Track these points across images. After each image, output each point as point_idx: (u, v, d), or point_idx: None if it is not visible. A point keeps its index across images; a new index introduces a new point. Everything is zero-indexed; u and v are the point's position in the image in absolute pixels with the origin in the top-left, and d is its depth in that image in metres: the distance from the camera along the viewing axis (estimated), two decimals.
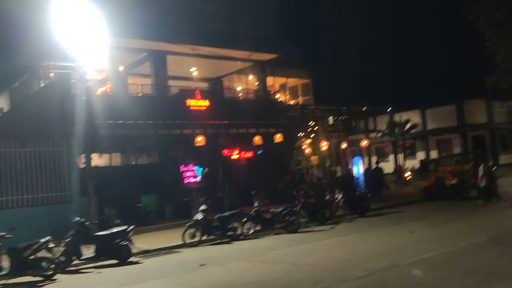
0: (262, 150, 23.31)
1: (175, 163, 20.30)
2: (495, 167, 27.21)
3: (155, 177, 19.74)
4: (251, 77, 25.67)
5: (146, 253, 13.50)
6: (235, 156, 22.55)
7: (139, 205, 18.46)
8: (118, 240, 12.23)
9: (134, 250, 13.11)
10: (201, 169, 21.12)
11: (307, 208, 16.72)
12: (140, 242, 14.77)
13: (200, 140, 19.38)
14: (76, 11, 15.06)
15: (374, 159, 49.04)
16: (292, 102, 31.29)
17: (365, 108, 29.66)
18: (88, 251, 12.34)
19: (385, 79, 51.35)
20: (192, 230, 14.29)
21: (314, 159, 32.11)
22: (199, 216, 14.46)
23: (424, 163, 39.77)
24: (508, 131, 42.25)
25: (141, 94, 20.64)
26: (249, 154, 22.97)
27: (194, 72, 24.60)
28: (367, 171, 29.85)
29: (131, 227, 12.61)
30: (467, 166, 22.00)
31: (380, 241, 12.16)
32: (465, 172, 21.44)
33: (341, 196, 18.15)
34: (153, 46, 20.16)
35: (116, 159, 20.16)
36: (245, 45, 22.16)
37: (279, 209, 15.43)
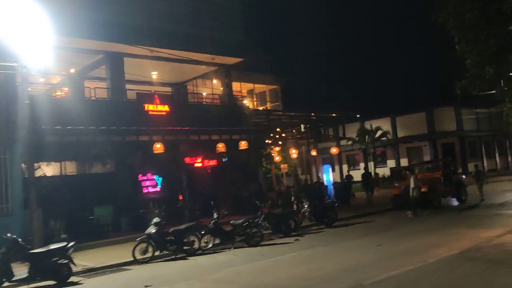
0: (227, 158, 22.26)
1: (132, 172, 19.03)
2: (464, 177, 26.87)
3: (110, 187, 18.45)
4: (216, 82, 24.64)
5: (91, 271, 12.24)
6: (198, 164, 21.39)
7: (91, 217, 17.10)
8: (56, 258, 10.94)
9: (77, 269, 11.88)
10: (161, 178, 19.90)
11: (270, 219, 15.72)
12: (87, 259, 13.55)
13: (158, 147, 18.19)
14: (19, 7, 13.85)
15: (345, 167, 48.91)
16: (261, 108, 30.38)
17: (334, 114, 28.88)
18: (21, 272, 11.00)
19: (356, 87, 51.20)
20: (143, 245, 13.10)
21: (284, 167, 31.22)
22: (151, 229, 13.28)
23: (394, 170, 39.51)
24: (477, 138, 42.36)
25: (94, 98, 19.31)
26: (213, 162, 21.85)
27: (156, 76, 23.40)
28: (348, 178, 29.37)
29: (71, 244, 11.34)
30: (438, 174, 21.45)
31: (345, 256, 11.25)
32: (436, 180, 20.87)
33: (307, 206, 17.21)
34: (109, 47, 18.91)
35: (69, 168, 18.80)
36: (208, 48, 21.13)
37: (240, 221, 14.38)
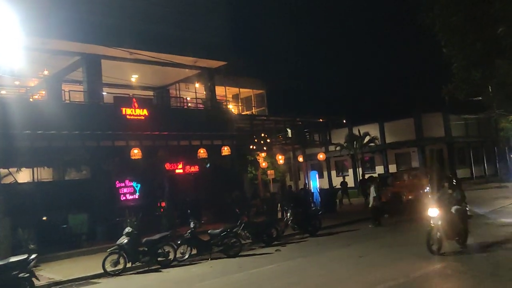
0: (209, 164, 21.58)
1: (109, 178, 18.27)
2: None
3: (86, 194, 17.67)
4: (199, 86, 23.98)
5: (56, 285, 11.56)
6: (179, 170, 20.69)
7: (64, 226, 16.33)
8: (16, 272, 10.22)
9: (41, 283, 11.28)
10: (139, 185, 19.18)
11: (250, 228, 15.09)
12: (55, 271, 12.88)
13: (136, 152, 17.50)
14: None
15: (334, 173, 48.51)
16: (247, 113, 29.75)
17: (320, 119, 28.30)
18: None
19: (344, 92, 50.68)
20: (114, 257, 12.41)
21: (271, 173, 30.60)
22: (123, 240, 12.59)
23: (382, 177, 39.04)
24: (466, 144, 42.12)
25: (68, 101, 18.57)
26: (194, 169, 21.15)
27: (135, 79, 22.68)
28: (343, 184, 28.94)
29: (33, 256, 10.62)
30: (425, 181, 21.00)
31: (325, 268, 10.65)
32: (423, 186, 20.42)
33: (289, 214, 16.59)
34: (86, 49, 18.19)
35: (43, 175, 18.05)
36: (190, 50, 20.48)
37: (218, 230, 13.74)
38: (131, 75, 22.24)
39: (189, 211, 15.27)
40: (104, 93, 21.14)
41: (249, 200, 24.39)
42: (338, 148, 41.95)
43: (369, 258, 11.24)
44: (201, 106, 23.93)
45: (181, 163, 20.60)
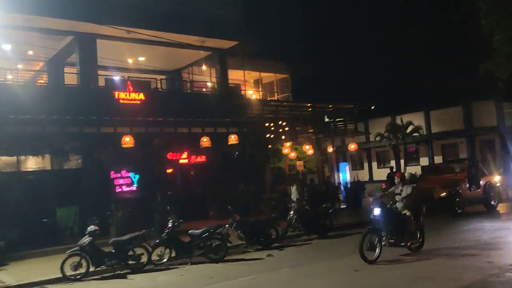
0: (221, 154, 19.71)
1: (102, 168, 16.78)
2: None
3: (77, 185, 16.29)
4: (211, 68, 22.07)
5: None
6: (183, 160, 18.97)
7: (45, 220, 14.97)
8: None
9: None
10: (138, 175, 17.62)
11: (244, 228, 13.16)
12: (16, 272, 11.64)
13: (128, 140, 15.89)
14: None
15: (375, 164, 45.62)
16: (271, 99, 27.60)
17: (345, 106, 25.64)
18: None
19: (385, 79, 46.92)
20: (76, 259, 10.85)
21: (300, 164, 28.49)
22: (85, 240, 10.99)
23: (425, 169, 35.92)
24: None
25: (45, 83, 17.21)
26: (201, 158, 19.34)
27: (141, 62, 21.06)
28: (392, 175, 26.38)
29: None
30: (461, 175, 18.23)
31: (308, 285, 8.56)
32: (458, 182, 17.71)
33: (292, 211, 14.45)
34: (78, 27, 16.67)
35: (29, 164, 16.82)
36: (195, 29, 18.56)
37: (199, 231, 11.89)
38: (137, 57, 20.67)
39: (168, 207, 13.46)
40: (115, 78, 19.80)
41: (267, 194, 22.43)
42: (378, 138, 39.23)
43: (365, 272, 9.01)
44: (210, 90, 22.10)
45: (186, 152, 18.85)
